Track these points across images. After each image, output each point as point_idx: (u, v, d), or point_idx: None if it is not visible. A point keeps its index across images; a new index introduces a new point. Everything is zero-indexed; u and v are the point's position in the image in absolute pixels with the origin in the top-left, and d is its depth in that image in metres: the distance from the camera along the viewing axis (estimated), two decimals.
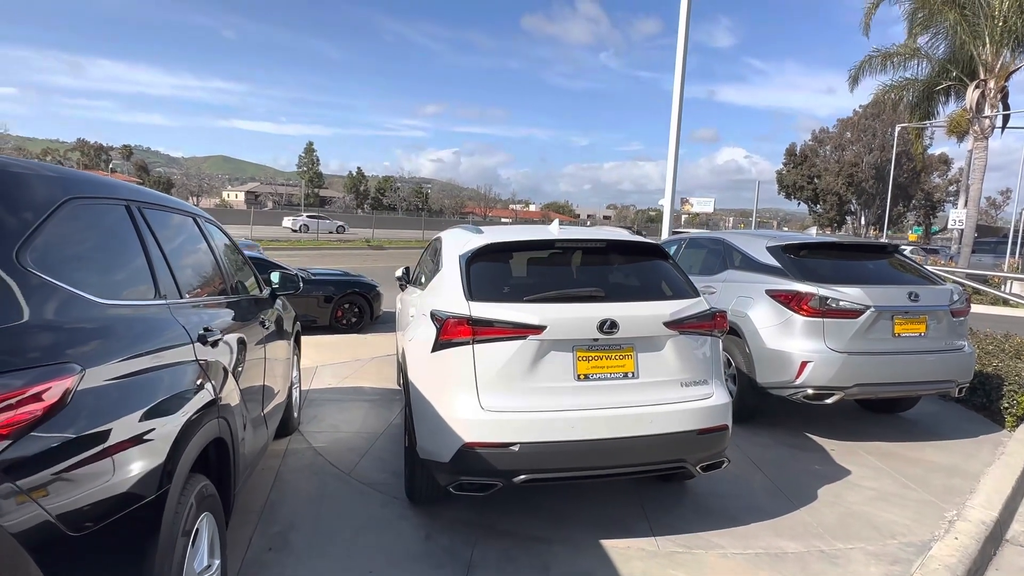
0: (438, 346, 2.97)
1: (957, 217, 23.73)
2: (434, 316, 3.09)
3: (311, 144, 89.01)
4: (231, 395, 2.38)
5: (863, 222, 60.70)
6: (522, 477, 2.83)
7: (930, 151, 52.25)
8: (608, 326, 2.90)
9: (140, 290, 1.94)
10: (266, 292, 4.02)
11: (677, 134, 10.25)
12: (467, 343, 2.88)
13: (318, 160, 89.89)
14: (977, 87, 16.58)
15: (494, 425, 2.81)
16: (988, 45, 16.35)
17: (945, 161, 59.85)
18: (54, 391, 1.26)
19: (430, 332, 3.06)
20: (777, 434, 4.91)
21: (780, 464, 4.30)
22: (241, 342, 2.80)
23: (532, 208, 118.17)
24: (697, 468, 3.08)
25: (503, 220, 66.80)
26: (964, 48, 16.77)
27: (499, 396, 2.86)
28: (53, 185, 1.68)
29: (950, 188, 61.13)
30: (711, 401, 3.09)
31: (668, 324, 3.01)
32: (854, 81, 19.95)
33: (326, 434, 4.75)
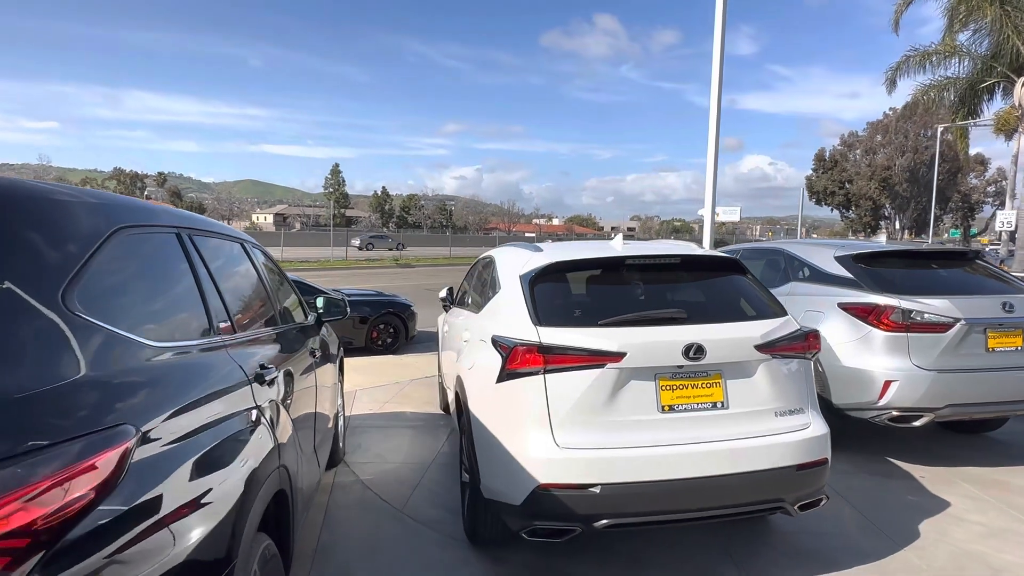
0: (504, 376, 2.72)
1: (1005, 218, 22.72)
2: (497, 343, 2.84)
3: (337, 166, 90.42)
4: (288, 437, 2.16)
5: (898, 226, 58.93)
6: (604, 522, 2.54)
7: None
8: (694, 351, 2.61)
9: (194, 328, 1.73)
10: (311, 318, 3.82)
11: (716, 142, 9.92)
12: (537, 373, 2.62)
13: (344, 181, 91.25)
14: None
15: (571, 464, 2.53)
16: None
17: (982, 161, 57.89)
18: (103, 468, 1.03)
19: (493, 361, 2.81)
20: (857, 460, 4.52)
21: (869, 495, 3.91)
22: (292, 375, 2.59)
23: (555, 222, 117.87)
24: (795, 508, 2.75)
25: (527, 235, 66.70)
26: (1008, 43, 16.11)
27: (576, 432, 2.58)
28: (99, 214, 1.49)
29: (988, 189, 59.05)
30: (809, 432, 2.77)
31: (759, 347, 2.71)
32: (892, 83, 19.32)
33: (373, 465, 4.52)
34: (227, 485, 1.45)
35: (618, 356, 2.57)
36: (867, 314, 4.33)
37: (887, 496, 3.91)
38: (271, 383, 2.07)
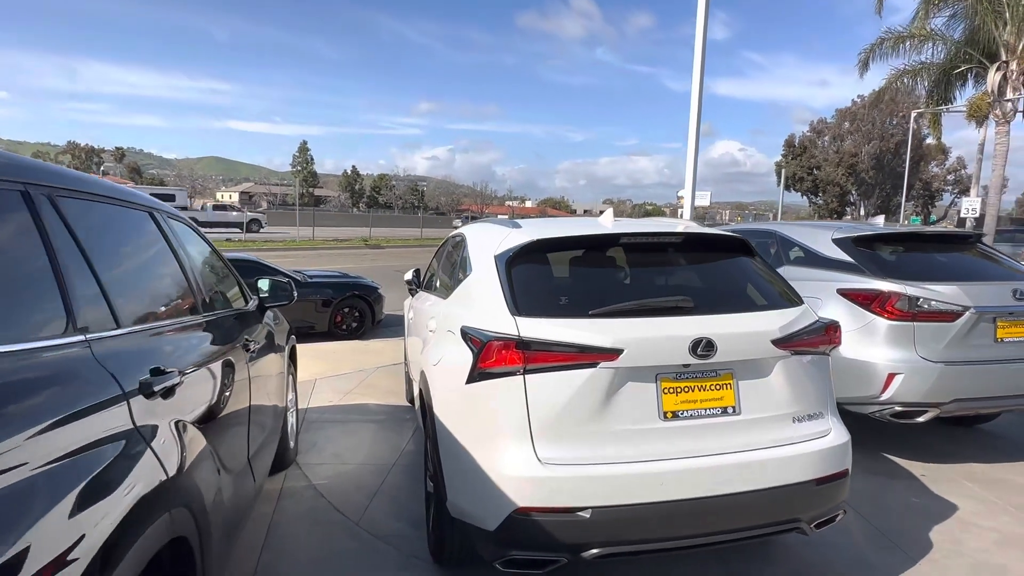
0: (476, 376, 2.26)
1: (970, 205, 23.09)
2: (468, 336, 2.38)
3: (305, 143, 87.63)
4: (197, 461, 1.67)
5: (863, 212, 60.00)
6: (595, 551, 2.12)
7: (928, 141, 51.43)
8: (703, 347, 2.19)
9: (33, 324, 1.22)
10: (252, 304, 3.30)
11: (697, 123, 9.56)
12: (516, 373, 2.17)
13: (312, 159, 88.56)
14: (999, 69, 15.89)
15: (556, 484, 2.10)
16: (1010, 25, 15.66)
17: (943, 150, 59.17)
18: None
19: (463, 357, 2.36)
20: (853, 457, 4.21)
21: (871, 497, 3.61)
22: (216, 375, 2.10)
23: (528, 204, 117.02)
24: (811, 527, 2.39)
25: (500, 217, 66.09)
26: (984, 29, 16.08)
27: (561, 444, 2.15)
28: None
29: (948, 177, 60.48)
30: (830, 440, 2.40)
31: (777, 342, 2.31)
32: (864, 65, 19.20)
33: (328, 466, 4.05)
34: (78, 550, 0.97)
35: (614, 353, 2.14)
36: (870, 301, 4.00)
37: (890, 498, 3.61)
38: (169, 393, 1.57)
